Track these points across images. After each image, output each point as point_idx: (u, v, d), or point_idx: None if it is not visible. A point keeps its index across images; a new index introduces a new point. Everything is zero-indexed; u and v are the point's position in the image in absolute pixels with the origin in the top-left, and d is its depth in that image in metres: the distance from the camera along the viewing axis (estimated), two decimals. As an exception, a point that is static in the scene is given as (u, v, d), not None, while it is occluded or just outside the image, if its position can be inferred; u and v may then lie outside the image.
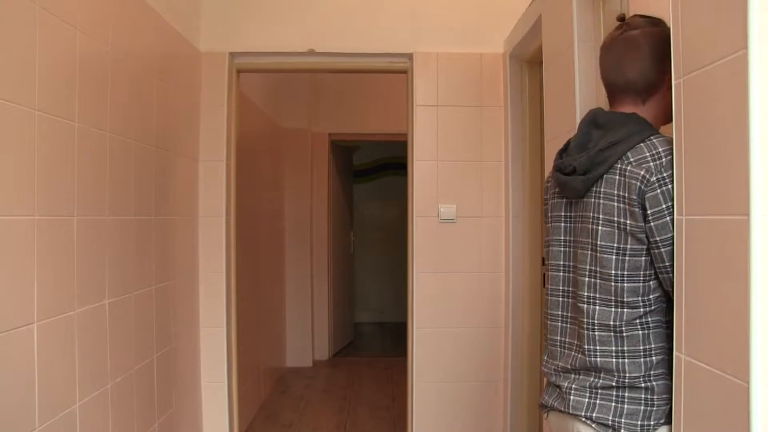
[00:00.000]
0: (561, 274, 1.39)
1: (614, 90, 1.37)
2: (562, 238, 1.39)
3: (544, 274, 2.62)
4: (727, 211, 1.00)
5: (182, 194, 2.83)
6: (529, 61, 2.96)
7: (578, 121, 1.94)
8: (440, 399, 3.13)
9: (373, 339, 6.94)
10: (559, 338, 1.38)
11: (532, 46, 2.74)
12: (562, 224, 1.39)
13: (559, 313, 1.39)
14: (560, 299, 1.39)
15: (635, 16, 1.35)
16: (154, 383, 2.45)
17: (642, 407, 1.21)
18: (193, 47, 2.98)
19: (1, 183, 1.45)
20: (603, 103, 1.93)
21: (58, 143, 1.71)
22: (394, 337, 6.70)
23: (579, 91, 1.95)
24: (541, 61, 2.40)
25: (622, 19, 1.36)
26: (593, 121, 1.34)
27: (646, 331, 1.23)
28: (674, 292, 1.17)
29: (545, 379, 1.44)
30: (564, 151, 1.38)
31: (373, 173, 7.82)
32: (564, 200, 1.38)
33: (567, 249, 1.38)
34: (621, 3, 1.91)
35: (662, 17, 1.31)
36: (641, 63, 1.30)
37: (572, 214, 1.36)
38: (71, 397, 1.77)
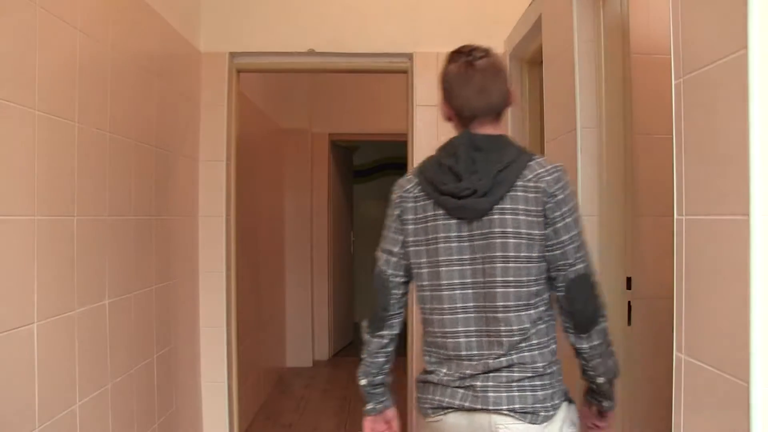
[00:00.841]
0: (458, 292, 1.42)
1: (474, 114, 1.45)
2: (457, 257, 1.42)
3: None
4: (727, 211, 1.00)
5: (182, 194, 2.83)
6: (529, 61, 2.96)
7: (578, 121, 1.95)
8: (440, 399, 3.12)
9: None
10: (464, 353, 1.42)
11: (532, 46, 2.73)
12: (455, 245, 1.42)
13: (461, 329, 1.42)
14: (459, 316, 1.42)
15: (470, 47, 1.48)
16: (154, 383, 2.44)
17: (549, 391, 1.38)
18: (193, 47, 2.98)
19: (1, 183, 1.45)
20: (603, 103, 1.93)
21: (58, 143, 1.71)
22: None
23: (579, 91, 1.95)
24: (541, 61, 2.40)
25: (469, 50, 1.48)
26: (471, 145, 1.41)
27: (546, 325, 1.42)
28: (676, 291, 1.17)
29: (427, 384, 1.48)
30: (443, 177, 1.42)
31: (373, 173, 7.82)
32: (454, 222, 1.41)
33: (466, 267, 1.41)
34: (621, 3, 1.91)
35: (662, 17, 1.31)
36: (502, 86, 1.46)
37: (469, 233, 1.41)
38: (71, 397, 1.77)
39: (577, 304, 1.40)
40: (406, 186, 1.51)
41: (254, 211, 4.10)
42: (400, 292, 1.53)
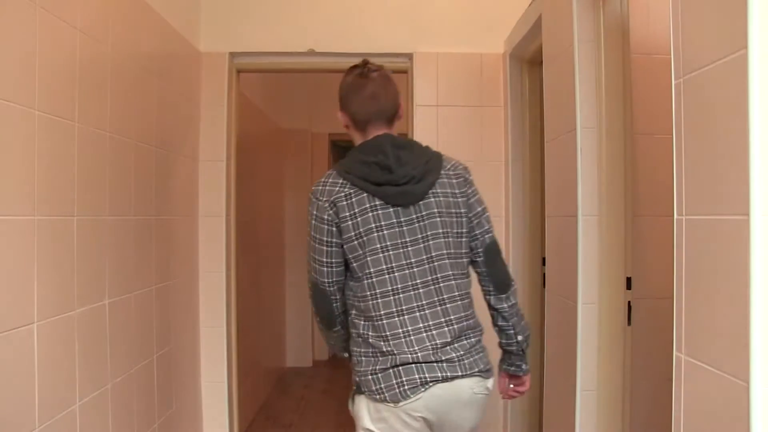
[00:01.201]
0: (407, 271, 1.56)
1: (368, 118, 1.65)
2: (401, 240, 1.56)
3: (544, 274, 2.63)
4: (727, 211, 1.00)
5: (182, 194, 2.83)
6: (529, 61, 2.96)
7: (578, 121, 1.95)
8: (440, 399, 3.12)
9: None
10: (421, 325, 1.55)
11: (532, 46, 2.74)
12: (397, 229, 1.56)
13: (415, 305, 1.56)
14: (412, 293, 1.56)
15: (366, 62, 1.69)
16: (154, 383, 2.44)
17: (485, 351, 1.66)
18: (193, 47, 2.98)
19: (1, 183, 1.45)
20: (603, 103, 1.93)
21: (58, 143, 1.71)
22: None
23: (579, 91, 1.95)
24: (541, 61, 2.40)
25: (364, 63, 1.69)
26: (394, 144, 1.61)
27: (471, 298, 1.67)
28: (676, 291, 1.17)
29: (396, 363, 1.53)
30: (371, 172, 1.56)
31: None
32: (392, 209, 1.56)
33: (409, 248, 1.57)
34: (621, 3, 1.92)
35: (662, 17, 1.31)
36: (392, 95, 1.67)
37: (408, 217, 1.57)
38: (71, 397, 1.77)
39: (496, 264, 1.67)
40: (334, 187, 1.59)
41: (254, 211, 4.10)
42: (339, 295, 1.64)
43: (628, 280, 1.93)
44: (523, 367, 1.77)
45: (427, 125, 3.12)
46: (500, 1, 3.09)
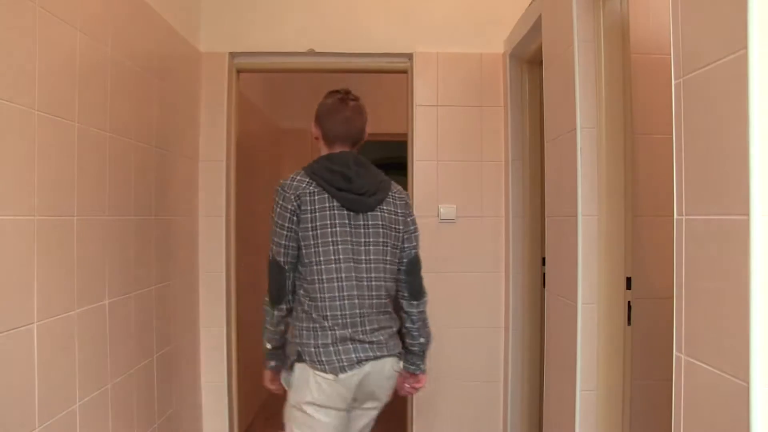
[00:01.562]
0: (352, 264, 1.85)
1: (336, 138, 1.98)
2: (351, 238, 1.86)
3: (543, 274, 2.63)
4: (727, 211, 1.00)
5: (182, 194, 2.83)
6: (529, 61, 2.96)
7: (578, 121, 1.95)
8: (440, 399, 3.12)
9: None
10: (358, 311, 1.85)
11: (532, 46, 2.74)
12: (347, 229, 1.86)
13: (355, 293, 1.85)
14: (354, 282, 1.85)
15: (347, 91, 2.02)
16: (154, 383, 2.44)
17: (399, 341, 1.96)
18: (193, 47, 2.98)
19: (1, 183, 1.45)
20: (603, 103, 1.93)
21: (58, 143, 1.71)
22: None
23: (579, 91, 1.95)
24: (541, 61, 2.40)
25: (346, 91, 2.02)
26: (356, 161, 1.92)
27: (397, 305, 1.98)
28: (676, 291, 1.17)
29: (334, 342, 1.82)
30: (332, 178, 1.87)
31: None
32: (345, 212, 1.86)
33: (354, 245, 1.86)
34: (621, 3, 1.92)
35: (662, 17, 1.32)
36: (361, 124, 1.98)
37: (357, 222, 1.88)
38: (71, 397, 1.77)
39: (413, 275, 1.98)
40: (301, 184, 1.88)
41: (254, 211, 4.10)
42: (292, 275, 1.90)
43: (628, 280, 1.93)
44: (422, 366, 2.05)
45: (427, 125, 3.12)
46: (500, 2, 3.09)
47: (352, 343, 1.82)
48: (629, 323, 1.93)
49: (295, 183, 1.90)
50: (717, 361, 1.03)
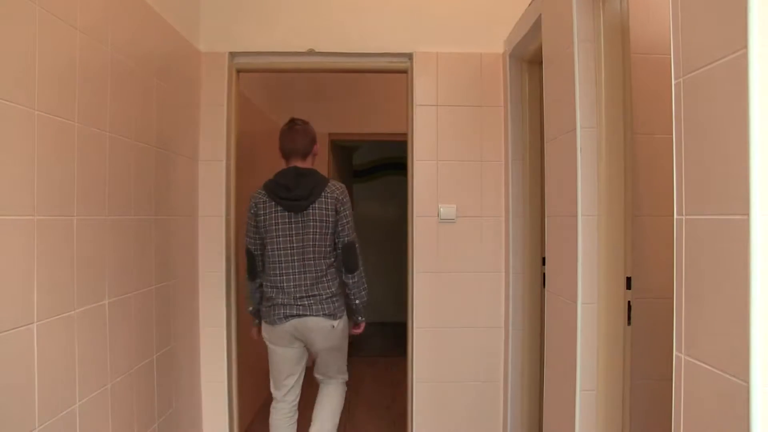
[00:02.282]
0: (289, 251, 2.64)
1: (291, 153, 2.76)
2: (289, 232, 2.65)
3: (543, 274, 2.63)
4: (727, 211, 1.00)
5: (182, 194, 2.83)
6: (529, 61, 2.96)
7: (578, 120, 1.95)
8: (440, 399, 3.13)
9: (373, 339, 6.94)
10: (293, 284, 2.64)
11: (532, 46, 2.74)
12: (287, 225, 2.65)
13: (291, 271, 2.64)
14: (293, 263, 2.64)
15: (297, 120, 2.79)
16: (154, 383, 2.45)
17: (338, 304, 2.67)
18: (193, 47, 2.98)
19: (1, 183, 1.45)
20: (603, 103, 1.93)
21: (58, 143, 1.71)
22: (394, 337, 6.70)
23: (579, 91, 1.95)
24: (541, 61, 2.40)
25: (293, 120, 2.81)
26: (296, 173, 2.69)
27: (334, 270, 2.69)
28: (676, 291, 1.17)
29: (274, 304, 2.67)
30: (276, 190, 2.68)
31: (373, 173, 7.82)
32: (287, 213, 2.65)
33: (293, 236, 2.65)
34: (621, 3, 1.92)
35: (662, 17, 1.32)
36: (307, 142, 2.74)
37: (295, 220, 2.65)
38: (71, 397, 1.77)
39: (348, 255, 2.69)
40: (259, 197, 2.72)
41: (254, 211, 4.09)
42: (260, 256, 2.74)
43: (628, 279, 1.93)
44: (359, 318, 2.85)
45: (427, 125, 3.12)
46: (500, 1, 3.09)
47: (282, 308, 2.64)
48: (629, 323, 1.93)
49: (256, 195, 2.74)
50: (717, 361, 1.03)
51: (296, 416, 2.96)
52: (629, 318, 1.92)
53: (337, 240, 2.67)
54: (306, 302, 2.63)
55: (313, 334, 2.67)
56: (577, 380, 1.93)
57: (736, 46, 0.96)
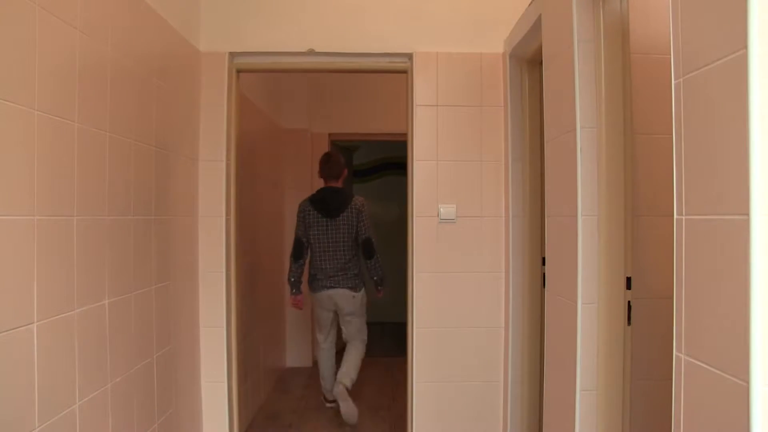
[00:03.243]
0: (327, 244, 3.88)
1: (328, 177, 4.01)
2: (325, 231, 3.90)
3: (543, 274, 2.63)
4: (727, 211, 1.00)
5: (182, 194, 2.83)
6: (529, 61, 2.96)
7: (578, 120, 1.95)
8: (440, 399, 3.13)
9: (373, 339, 6.93)
10: (328, 266, 3.90)
11: (532, 46, 2.74)
12: (324, 227, 3.90)
13: (327, 258, 3.89)
14: (328, 252, 3.88)
15: (330, 153, 4.21)
16: (154, 383, 2.45)
17: (358, 281, 3.97)
18: (193, 47, 2.98)
19: (1, 183, 1.45)
20: (603, 103, 1.93)
21: (58, 143, 1.71)
22: (394, 337, 6.70)
23: (579, 91, 1.95)
24: (541, 61, 2.40)
25: (328, 153, 4.18)
26: (331, 191, 3.97)
27: (355, 257, 3.94)
28: (676, 291, 1.17)
29: (310, 280, 4.05)
30: (318, 202, 3.96)
31: (373, 173, 7.82)
32: (325, 219, 3.89)
33: (328, 234, 3.89)
34: (621, 3, 1.92)
35: (662, 17, 1.32)
36: (339, 168, 4.02)
37: (330, 223, 3.89)
38: (71, 397, 1.77)
39: (366, 247, 3.90)
40: (306, 204, 3.99)
41: (254, 211, 4.10)
42: (306, 246, 3.98)
43: (628, 280, 1.93)
44: (379, 288, 4.09)
45: (427, 125, 3.12)
46: (500, 1, 3.09)
47: (321, 281, 3.93)
48: (629, 323, 1.93)
49: (303, 203, 4.04)
50: (717, 361, 1.03)
51: (334, 351, 4.21)
52: (629, 318, 1.92)
53: (358, 237, 3.92)
54: (336, 279, 3.92)
55: (340, 301, 3.94)
56: (577, 380, 1.93)
57: (736, 46, 0.96)
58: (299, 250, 3.95)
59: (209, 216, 3.08)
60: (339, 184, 3.99)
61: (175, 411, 2.69)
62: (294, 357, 5.43)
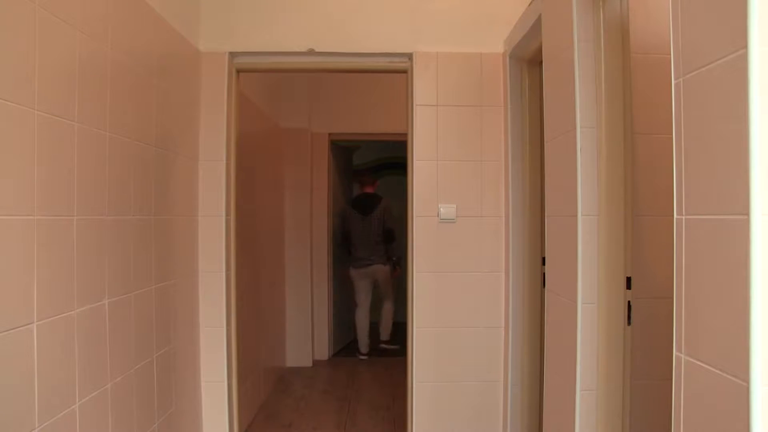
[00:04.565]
0: (363, 233, 5.72)
1: (364, 185, 5.92)
2: (362, 225, 5.72)
3: (543, 274, 2.63)
4: (727, 211, 1.00)
5: (182, 194, 2.83)
6: (529, 61, 2.96)
7: (578, 120, 1.95)
8: (440, 399, 3.13)
9: (374, 339, 6.92)
10: (365, 249, 5.73)
11: (532, 46, 2.74)
12: (362, 221, 5.71)
13: (364, 244, 5.72)
14: (364, 240, 5.72)
15: (366, 173, 6.18)
16: (154, 383, 2.45)
17: (385, 257, 5.83)
18: (193, 47, 2.98)
19: (1, 183, 1.45)
20: (603, 103, 1.93)
21: (58, 143, 1.71)
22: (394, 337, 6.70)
23: (579, 91, 1.95)
24: (541, 61, 2.40)
25: (364, 173, 6.16)
26: (365, 196, 5.85)
27: (382, 242, 5.80)
28: (676, 291, 1.17)
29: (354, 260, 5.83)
30: (356, 204, 5.88)
31: (373, 173, 7.81)
32: (361, 215, 5.73)
33: (364, 227, 5.71)
34: (621, 3, 1.92)
35: (662, 17, 1.32)
36: (371, 179, 6.00)
37: (364, 219, 5.73)
38: (71, 397, 1.77)
39: (388, 236, 5.73)
40: (347, 206, 5.92)
41: (254, 211, 4.10)
42: (348, 233, 5.80)
43: (628, 280, 1.93)
44: (397, 268, 5.86)
45: (427, 125, 3.12)
46: (500, 1, 3.09)
47: (362, 261, 5.70)
48: (629, 323, 1.93)
49: (343, 208, 5.89)
50: (717, 361, 1.03)
51: (368, 314, 5.83)
52: (629, 318, 1.92)
53: (384, 228, 5.64)
54: (372, 258, 5.68)
55: (376, 273, 5.74)
56: (577, 380, 1.93)
57: (736, 46, 0.96)
58: (344, 237, 5.78)
59: (209, 216, 3.08)
60: (372, 190, 5.82)
61: (175, 411, 2.69)
62: (294, 357, 5.43)
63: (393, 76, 3.40)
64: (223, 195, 3.09)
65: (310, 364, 5.49)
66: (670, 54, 1.19)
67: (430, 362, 3.13)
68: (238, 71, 3.21)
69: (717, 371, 1.03)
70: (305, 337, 5.48)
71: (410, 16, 3.14)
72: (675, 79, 1.17)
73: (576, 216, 1.95)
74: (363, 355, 5.81)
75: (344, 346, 6.16)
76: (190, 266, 2.96)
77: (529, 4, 2.60)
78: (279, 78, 5.01)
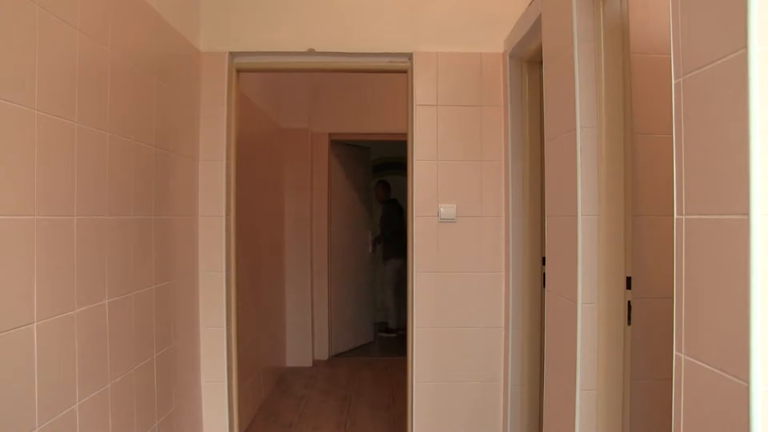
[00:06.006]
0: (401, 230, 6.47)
1: (382, 195, 6.91)
2: (399, 223, 6.60)
3: (543, 274, 2.63)
4: (727, 211, 1.00)
5: (182, 194, 2.83)
6: (529, 60, 2.96)
7: (578, 120, 1.95)
8: (440, 399, 3.13)
9: (374, 338, 6.94)
10: (393, 246, 6.68)
11: (532, 46, 2.74)
12: (399, 218, 6.64)
13: (392, 241, 6.72)
14: (392, 239, 6.75)
15: (385, 182, 7.15)
16: (154, 383, 2.45)
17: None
18: (193, 47, 2.98)
19: (1, 183, 1.45)
20: (603, 103, 1.93)
21: (58, 143, 1.71)
22: (394, 337, 6.71)
23: (579, 91, 1.95)
24: (541, 61, 2.40)
25: (382, 183, 7.06)
26: (388, 201, 6.96)
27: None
28: (676, 291, 1.17)
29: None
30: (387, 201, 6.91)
31: (373, 173, 7.81)
32: (383, 206, 6.89)
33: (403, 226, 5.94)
34: (621, 3, 1.91)
35: (662, 17, 1.32)
36: (389, 190, 6.99)
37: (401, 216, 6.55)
38: (71, 397, 1.77)
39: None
40: (397, 203, 6.86)
41: (254, 211, 4.10)
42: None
43: (628, 279, 1.93)
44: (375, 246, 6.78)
45: (427, 125, 3.12)
46: (500, 1, 3.09)
47: (391, 254, 6.78)
48: (629, 323, 1.93)
49: (394, 205, 6.84)
50: (717, 361, 1.03)
51: (395, 297, 6.65)
52: (629, 318, 1.92)
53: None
54: (397, 253, 6.48)
55: (400, 264, 6.42)
56: (577, 380, 1.93)
57: (736, 46, 0.96)
58: (399, 233, 6.47)
59: (209, 215, 3.08)
60: (392, 197, 6.80)
61: (175, 411, 2.69)
62: (294, 357, 5.43)
63: (393, 76, 3.40)
64: (223, 195, 3.09)
65: (310, 364, 5.49)
66: (670, 54, 1.19)
67: (430, 362, 3.13)
68: (238, 71, 3.21)
69: (717, 371, 1.03)
70: (305, 337, 5.48)
71: (410, 16, 3.14)
72: (675, 79, 1.17)
73: (576, 216, 1.95)
74: (391, 333, 6.77)
75: (358, 346, 6.15)
76: (190, 266, 2.96)
77: (529, 4, 2.60)
78: (279, 78, 5.01)
